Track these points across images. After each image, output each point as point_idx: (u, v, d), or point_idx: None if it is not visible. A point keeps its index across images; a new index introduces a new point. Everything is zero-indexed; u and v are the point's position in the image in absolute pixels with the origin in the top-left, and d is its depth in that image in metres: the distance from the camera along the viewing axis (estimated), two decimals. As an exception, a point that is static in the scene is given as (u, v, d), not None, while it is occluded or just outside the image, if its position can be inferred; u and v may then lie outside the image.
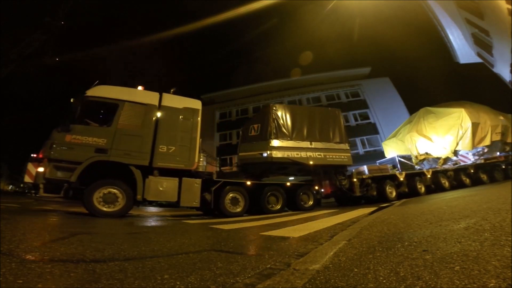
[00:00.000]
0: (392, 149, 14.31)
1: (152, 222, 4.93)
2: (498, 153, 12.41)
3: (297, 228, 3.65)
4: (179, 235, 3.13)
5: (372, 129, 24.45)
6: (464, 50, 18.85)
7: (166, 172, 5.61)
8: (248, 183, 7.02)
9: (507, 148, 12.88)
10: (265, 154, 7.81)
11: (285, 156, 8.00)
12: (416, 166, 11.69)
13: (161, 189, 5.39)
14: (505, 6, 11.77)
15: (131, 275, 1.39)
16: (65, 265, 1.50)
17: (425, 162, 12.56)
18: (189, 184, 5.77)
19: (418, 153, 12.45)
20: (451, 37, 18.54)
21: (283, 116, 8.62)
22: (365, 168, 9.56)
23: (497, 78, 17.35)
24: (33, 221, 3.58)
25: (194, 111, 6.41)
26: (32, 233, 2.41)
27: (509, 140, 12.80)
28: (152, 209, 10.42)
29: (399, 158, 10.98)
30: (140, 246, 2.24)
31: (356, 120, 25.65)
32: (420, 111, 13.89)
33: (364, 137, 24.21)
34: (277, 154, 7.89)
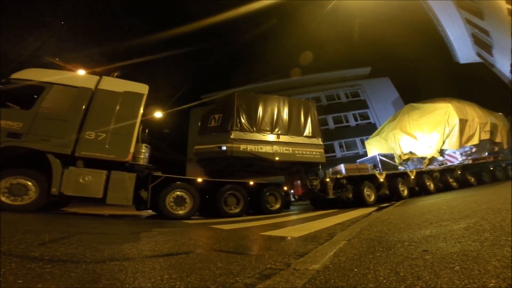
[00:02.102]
0: (375, 148, 13.41)
1: (152, 222, 4.93)
2: (486, 154, 11.74)
3: (297, 228, 3.66)
4: (179, 235, 3.13)
5: (372, 129, 24.32)
6: (464, 50, 18.87)
7: (96, 164, 4.91)
8: (199, 180, 6.08)
9: (496, 149, 12.20)
10: (224, 148, 6.90)
11: (248, 150, 7.09)
12: (400, 167, 10.79)
13: (82, 182, 4.65)
14: (505, 6, 11.80)
15: (131, 275, 1.39)
16: (65, 265, 1.50)
17: (409, 163, 11.71)
18: (119, 179, 4.97)
19: (402, 152, 11.60)
20: (451, 37, 18.56)
21: (249, 105, 7.72)
22: (342, 167, 8.61)
23: (497, 78, 17.35)
24: (33, 221, 3.58)
25: (136, 95, 5.67)
26: (32, 233, 2.41)
27: (498, 140, 12.11)
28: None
29: (380, 157, 9.93)
30: (140, 246, 2.24)
31: (356, 120, 25.65)
32: (404, 107, 13.14)
33: (364, 137, 24.17)
34: (238, 147, 6.99)
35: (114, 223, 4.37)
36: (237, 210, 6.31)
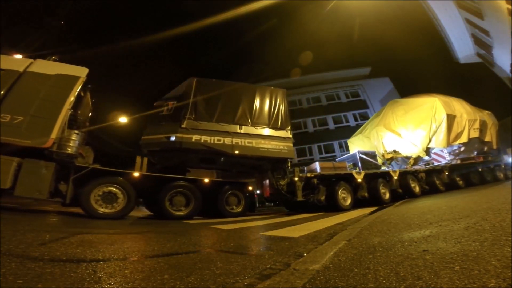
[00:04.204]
0: (357, 147, 12.30)
1: (152, 222, 4.93)
2: (475, 153, 11.06)
3: (297, 228, 3.66)
4: (179, 235, 3.13)
5: (372, 129, 24.45)
6: (464, 50, 18.89)
7: (15, 151, 4.36)
8: (136, 174, 5.28)
9: (485, 148, 11.49)
10: (173, 138, 6.02)
11: (201, 141, 6.12)
12: (383, 168, 9.67)
13: None
14: (505, 6, 11.80)
15: (131, 275, 1.40)
16: (65, 265, 1.50)
17: (393, 163, 10.70)
18: (33, 168, 4.35)
19: (385, 150, 10.62)
20: (451, 37, 18.57)
21: (209, 92, 6.85)
22: (317, 166, 7.61)
23: (497, 78, 17.36)
24: (33, 221, 3.58)
25: (70, 78, 5.12)
26: (32, 233, 2.41)
27: (487, 139, 11.35)
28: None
29: (361, 155, 8.77)
30: (140, 246, 2.24)
31: (356, 120, 25.68)
32: (388, 103, 12.43)
33: (364, 137, 24.23)
34: (189, 138, 6.06)
35: (114, 223, 4.36)
36: (185, 212, 5.55)
